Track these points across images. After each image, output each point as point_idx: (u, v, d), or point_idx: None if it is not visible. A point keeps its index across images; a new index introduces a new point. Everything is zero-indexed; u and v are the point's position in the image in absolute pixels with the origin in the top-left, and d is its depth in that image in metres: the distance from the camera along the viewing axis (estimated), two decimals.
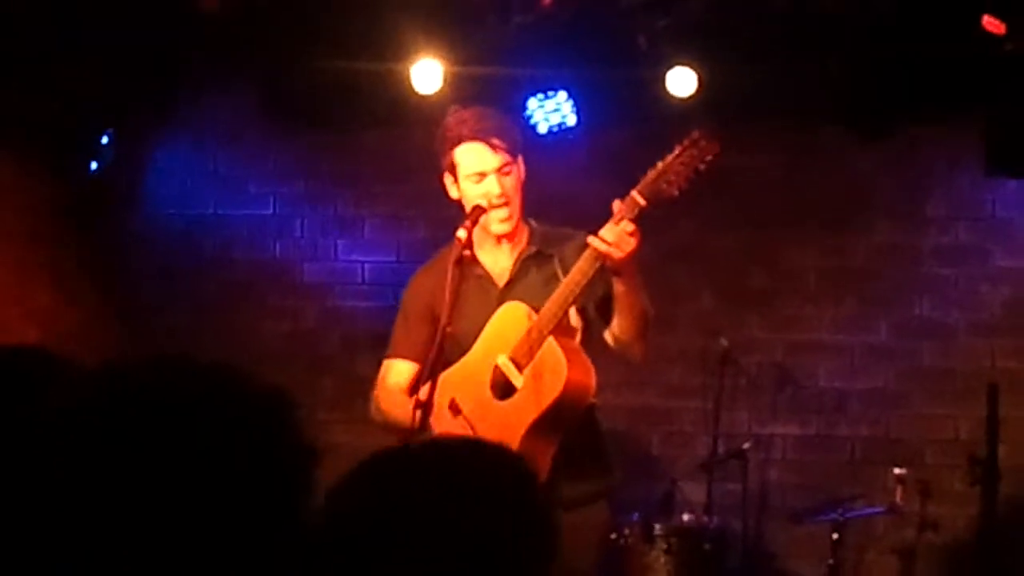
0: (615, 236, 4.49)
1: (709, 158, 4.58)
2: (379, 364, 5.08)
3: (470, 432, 4.64)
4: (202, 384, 1.74)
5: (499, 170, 4.76)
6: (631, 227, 4.49)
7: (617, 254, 4.49)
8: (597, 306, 4.74)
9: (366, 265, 7.72)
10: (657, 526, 6.30)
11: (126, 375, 1.76)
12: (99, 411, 1.71)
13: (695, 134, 4.60)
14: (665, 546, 6.26)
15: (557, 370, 4.56)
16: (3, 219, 7.02)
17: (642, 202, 4.55)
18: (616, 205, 4.55)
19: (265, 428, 1.73)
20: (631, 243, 4.49)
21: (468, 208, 4.78)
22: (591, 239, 4.52)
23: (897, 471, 6.50)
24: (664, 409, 7.39)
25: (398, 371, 4.97)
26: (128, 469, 1.66)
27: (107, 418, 1.70)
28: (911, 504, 6.51)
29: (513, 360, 4.65)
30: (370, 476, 2.01)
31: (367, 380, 5.16)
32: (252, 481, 1.70)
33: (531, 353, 4.60)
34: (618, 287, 4.63)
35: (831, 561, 6.48)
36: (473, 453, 2.05)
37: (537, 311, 4.62)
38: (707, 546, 6.33)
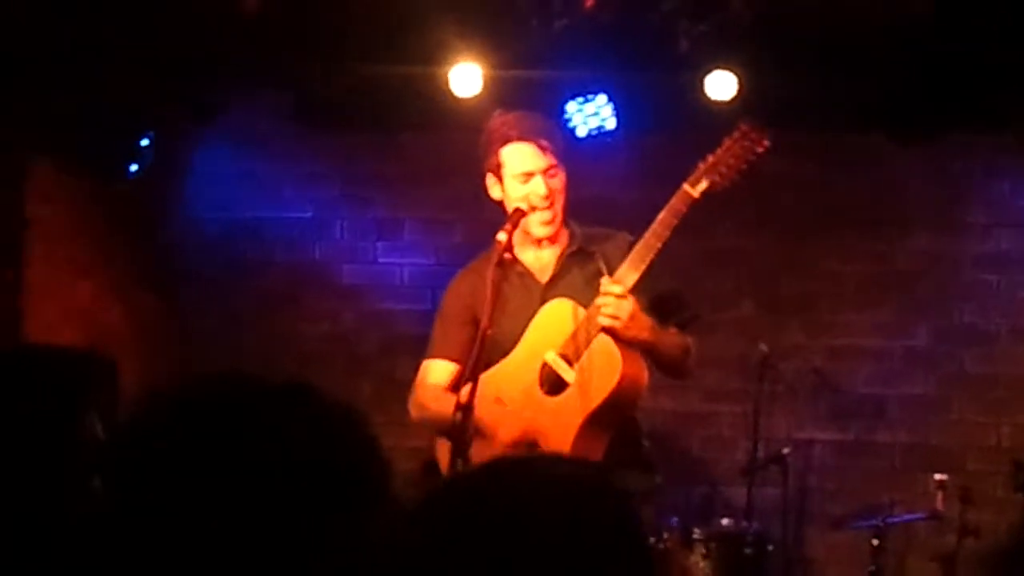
0: (612, 307, 4.51)
1: (759, 150, 4.58)
2: (417, 366, 5.07)
3: (519, 423, 4.63)
4: (278, 403, 1.73)
5: (545, 171, 4.77)
6: (620, 288, 4.51)
7: (618, 323, 4.50)
8: (643, 310, 4.73)
9: (405, 268, 7.73)
10: (696, 530, 6.27)
11: (203, 393, 1.75)
12: (176, 430, 1.69)
13: (744, 126, 4.61)
14: (704, 551, 6.23)
15: (612, 364, 4.56)
16: (44, 219, 7.04)
17: (695, 194, 4.56)
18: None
19: (342, 445, 1.72)
20: (627, 307, 4.50)
21: (509, 210, 4.78)
22: (600, 318, 4.53)
23: (938, 477, 6.47)
24: (704, 413, 7.37)
25: (438, 371, 4.97)
26: (206, 489, 1.65)
27: (184, 439, 1.69)
28: (952, 510, 6.47)
29: (563, 356, 4.64)
30: (461, 501, 1.80)
31: (406, 383, 5.16)
32: (331, 498, 1.68)
33: (581, 349, 4.59)
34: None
35: (872, 568, 6.44)
36: (564, 476, 1.81)
37: (583, 307, 4.62)
38: (747, 551, 6.29)
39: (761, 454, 6.80)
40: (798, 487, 7.12)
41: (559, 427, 4.55)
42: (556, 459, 2.04)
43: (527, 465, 1.88)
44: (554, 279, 4.84)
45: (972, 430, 7.17)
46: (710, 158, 4.59)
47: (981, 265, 7.24)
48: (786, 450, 6.71)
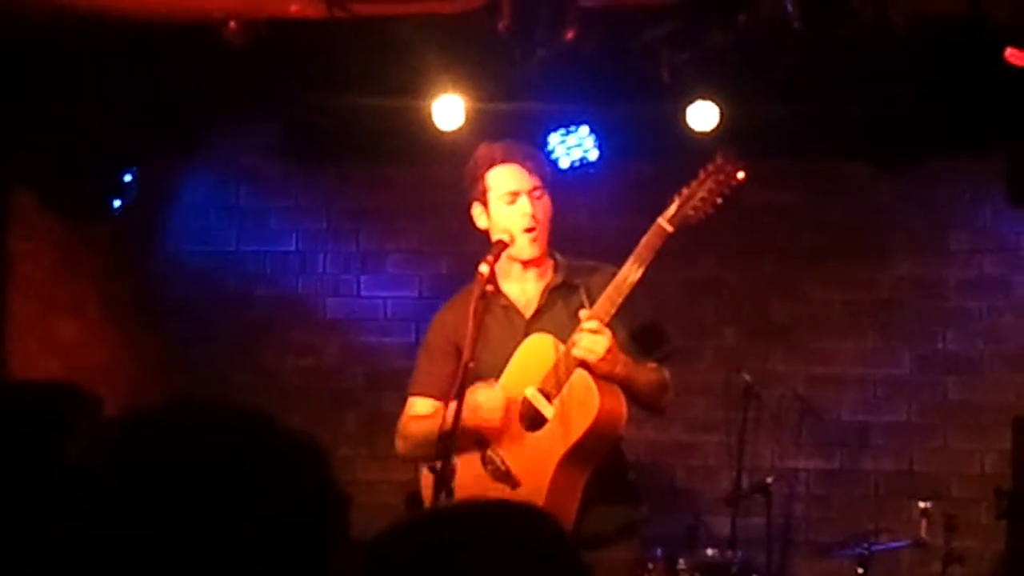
0: (587, 341, 4.52)
1: (734, 183, 4.59)
2: (402, 399, 5.07)
3: (500, 465, 4.64)
4: (233, 429, 1.73)
5: (531, 192, 4.77)
6: (595, 324, 4.51)
7: (593, 357, 4.51)
8: (621, 344, 4.73)
9: (388, 301, 7.73)
10: (681, 561, 6.27)
11: (157, 420, 1.74)
12: (128, 457, 1.69)
13: (719, 159, 4.62)
14: None
15: (589, 399, 4.55)
16: (28, 254, 7.05)
17: (669, 228, 4.57)
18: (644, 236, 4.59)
19: (297, 474, 1.72)
20: (603, 342, 4.51)
21: (494, 238, 4.78)
22: (573, 348, 4.54)
23: (922, 505, 6.47)
24: (687, 443, 7.37)
25: (420, 408, 4.95)
26: (158, 517, 1.64)
27: (136, 464, 1.67)
28: (936, 538, 6.47)
29: (542, 391, 4.64)
30: (408, 542, 1.91)
31: (390, 416, 5.15)
32: (286, 528, 1.68)
33: (560, 384, 4.59)
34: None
35: None
36: (507, 514, 1.96)
37: (563, 343, 4.62)
38: None
39: (745, 483, 6.80)
40: (783, 516, 7.12)
41: (538, 463, 4.55)
42: (497, 503, 2.09)
43: (469, 508, 2.02)
44: (538, 313, 4.84)
45: (956, 457, 7.17)
46: (684, 191, 4.60)
47: (964, 292, 7.26)
48: (770, 479, 6.70)
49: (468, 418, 4.54)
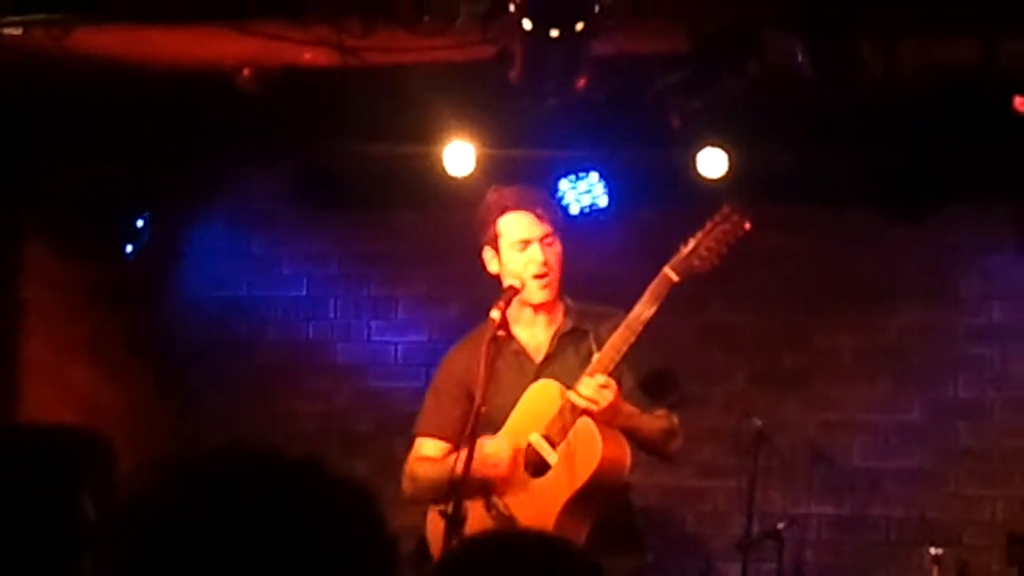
0: (591, 391, 4.55)
1: (740, 233, 4.61)
2: (411, 445, 5.08)
3: (503, 511, 4.64)
4: (286, 479, 1.72)
5: (542, 239, 4.80)
6: (603, 379, 4.54)
7: (596, 408, 4.54)
8: (629, 391, 4.74)
9: (399, 346, 7.74)
10: None
11: (208, 467, 1.73)
12: (180, 506, 1.67)
13: (725, 209, 4.65)
14: None
15: (591, 447, 4.57)
16: (40, 300, 7.07)
17: (675, 278, 4.59)
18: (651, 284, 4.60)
19: (351, 523, 1.72)
20: (607, 396, 4.54)
21: (506, 282, 4.80)
22: (570, 394, 4.57)
23: (934, 551, 6.44)
24: (698, 489, 7.36)
25: (428, 449, 4.97)
26: (210, 567, 1.64)
27: (187, 515, 1.66)
28: None
29: (547, 437, 4.65)
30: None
31: (401, 461, 5.16)
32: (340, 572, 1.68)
33: (565, 431, 4.61)
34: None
35: None
36: (545, 547, 2.04)
37: (570, 389, 4.63)
38: None
39: (756, 529, 6.78)
40: (793, 562, 7.10)
41: (541, 509, 4.56)
42: (535, 535, 2.14)
43: (511, 538, 2.12)
44: (548, 359, 4.86)
45: (968, 504, 7.15)
46: (691, 241, 4.63)
47: (975, 338, 7.25)
48: (781, 525, 6.69)
49: (476, 468, 4.55)
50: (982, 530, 7.05)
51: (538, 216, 4.85)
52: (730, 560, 6.88)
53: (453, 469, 4.53)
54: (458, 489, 4.51)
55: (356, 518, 1.72)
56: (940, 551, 6.43)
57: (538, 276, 4.81)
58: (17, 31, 5.23)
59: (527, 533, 2.29)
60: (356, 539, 1.71)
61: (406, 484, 4.98)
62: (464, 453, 4.54)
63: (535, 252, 4.81)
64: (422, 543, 4.89)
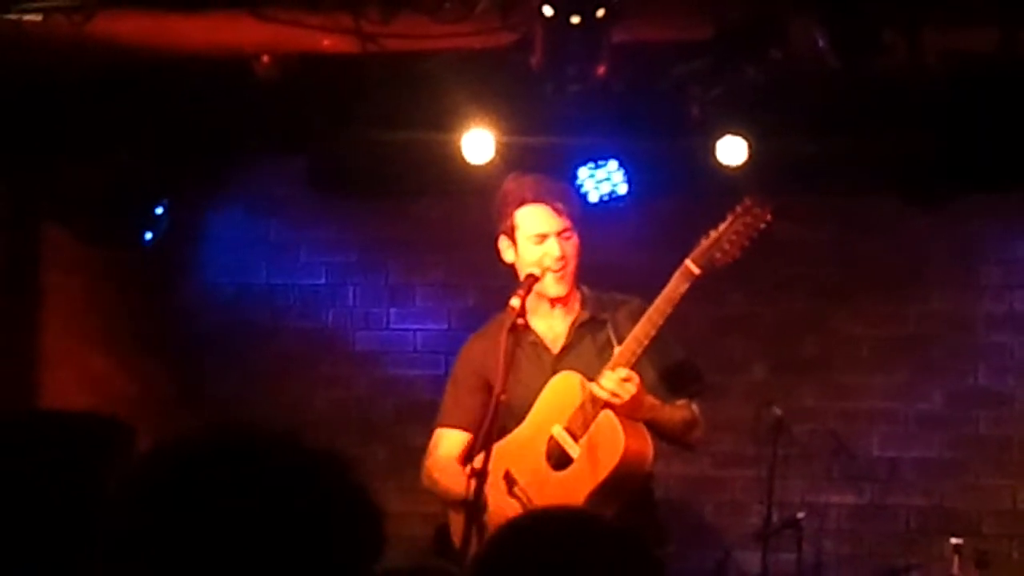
0: (613, 384, 4.53)
1: (762, 226, 4.59)
2: (431, 432, 5.07)
3: (526, 503, 4.64)
4: (263, 450, 1.74)
5: (560, 233, 4.79)
6: (625, 372, 4.53)
7: (618, 401, 4.52)
8: (651, 383, 4.73)
9: (418, 333, 7.73)
10: None
11: (193, 446, 1.76)
12: (168, 483, 1.71)
13: (747, 201, 4.62)
14: None
15: (614, 440, 4.56)
16: (59, 287, 7.08)
17: (696, 271, 4.57)
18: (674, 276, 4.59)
19: (329, 493, 1.72)
20: (629, 389, 4.52)
21: (521, 273, 4.79)
22: (592, 387, 4.55)
23: (954, 541, 6.42)
24: (717, 478, 7.35)
25: (449, 441, 4.96)
26: (198, 540, 1.65)
27: (176, 489, 1.70)
28: (968, 574, 6.43)
29: (568, 430, 4.64)
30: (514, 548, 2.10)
31: (419, 448, 5.16)
32: (323, 542, 1.69)
33: (587, 423, 4.60)
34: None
35: None
36: (596, 527, 2.16)
37: (591, 380, 4.62)
38: None
39: (775, 519, 6.75)
40: (813, 552, 7.07)
41: (563, 502, 4.54)
42: (581, 513, 2.23)
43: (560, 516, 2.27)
44: (565, 349, 4.85)
45: (988, 493, 7.13)
46: (712, 233, 4.60)
47: (996, 327, 7.22)
48: (800, 514, 6.66)
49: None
50: (1002, 519, 7.03)
51: (556, 210, 4.82)
52: (749, 549, 6.87)
53: (467, 489, 4.53)
54: (479, 489, 4.51)
55: (335, 488, 1.73)
56: (960, 540, 6.42)
57: (554, 270, 4.79)
58: (37, 17, 5.24)
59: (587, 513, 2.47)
60: (336, 508, 1.72)
61: (425, 480, 4.98)
62: (482, 454, 4.54)
63: (552, 246, 4.79)
64: (443, 530, 4.89)
